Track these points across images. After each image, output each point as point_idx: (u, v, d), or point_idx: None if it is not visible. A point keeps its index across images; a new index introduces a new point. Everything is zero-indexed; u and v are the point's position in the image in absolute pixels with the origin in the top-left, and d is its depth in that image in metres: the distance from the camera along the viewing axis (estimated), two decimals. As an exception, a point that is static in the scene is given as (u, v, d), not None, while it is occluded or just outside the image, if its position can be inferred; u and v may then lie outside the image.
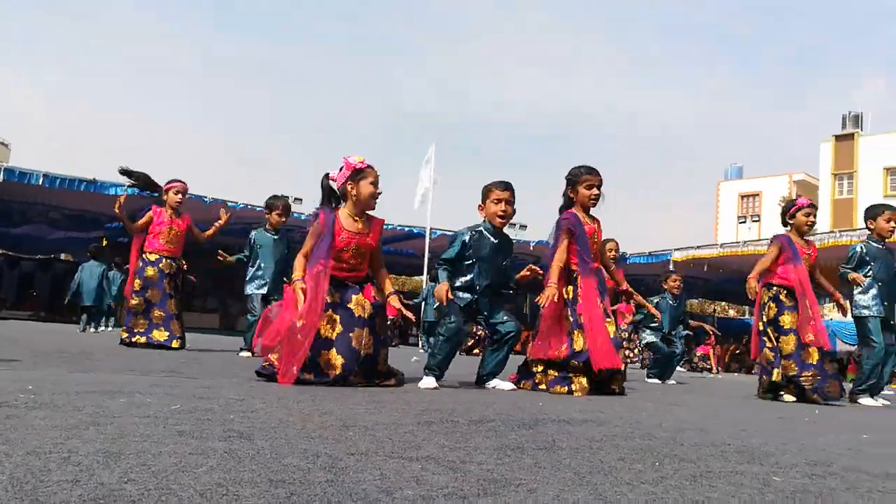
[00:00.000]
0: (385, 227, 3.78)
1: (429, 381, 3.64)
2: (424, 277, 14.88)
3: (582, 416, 2.56)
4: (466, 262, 3.99)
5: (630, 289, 4.80)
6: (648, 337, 7.61)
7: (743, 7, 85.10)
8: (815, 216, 5.10)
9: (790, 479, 1.53)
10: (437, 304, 4.00)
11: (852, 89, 67.93)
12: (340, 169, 3.58)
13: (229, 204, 15.04)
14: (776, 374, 4.80)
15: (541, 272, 4.15)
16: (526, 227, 18.40)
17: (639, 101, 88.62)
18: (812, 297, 4.83)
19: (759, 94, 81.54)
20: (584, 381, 3.89)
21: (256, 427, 1.73)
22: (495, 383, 3.98)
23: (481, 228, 4.05)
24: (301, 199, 18.84)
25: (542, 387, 4.01)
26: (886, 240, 5.45)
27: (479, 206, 4.12)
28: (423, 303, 13.35)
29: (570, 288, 4.07)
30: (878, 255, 5.38)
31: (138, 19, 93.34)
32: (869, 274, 5.36)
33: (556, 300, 3.96)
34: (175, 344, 6.04)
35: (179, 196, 6.31)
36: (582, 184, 4.19)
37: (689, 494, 1.28)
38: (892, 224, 5.36)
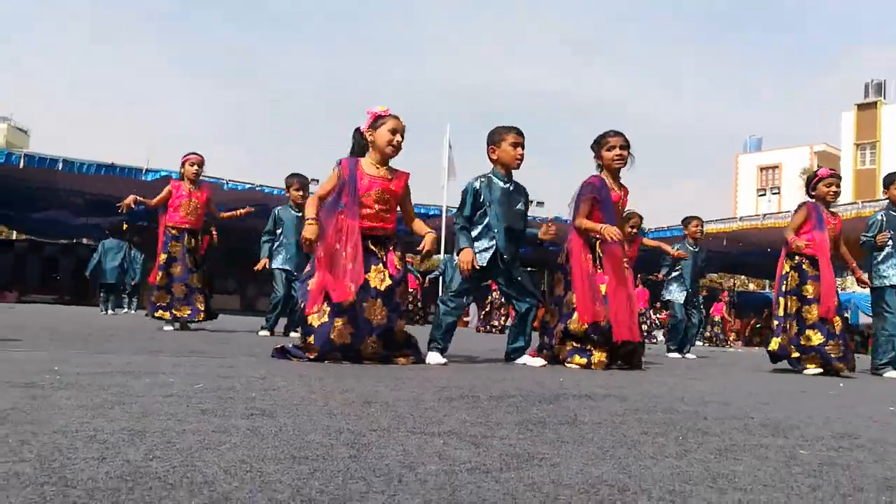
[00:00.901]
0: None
1: (435, 357, 3.61)
2: (442, 256, 14.87)
3: (603, 391, 2.55)
4: (479, 212, 3.92)
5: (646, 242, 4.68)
6: (673, 293, 7.45)
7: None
8: (837, 186, 5.02)
9: (816, 451, 1.51)
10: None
11: (876, 56, 66.46)
12: (366, 120, 3.57)
13: (243, 187, 15.15)
14: (773, 344, 4.87)
15: (554, 232, 4.12)
16: (543, 203, 18.23)
17: (656, 75, 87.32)
18: (829, 269, 4.75)
19: (778, 63, 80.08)
20: (603, 355, 3.91)
21: (279, 405, 1.74)
22: (525, 360, 3.96)
23: (489, 175, 3.99)
24: (318, 180, 18.91)
25: (561, 357, 4.02)
26: None
27: (492, 149, 3.99)
28: (440, 277, 13.37)
29: (590, 257, 4.05)
30: None
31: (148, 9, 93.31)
32: (888, 243, 5.30)
33: (615, 236, 3.92)
34: (199, 317, 6.07)
35: (195, 168, 6.31)
36: (604, 146, 4.18)
37: (714, 468, 1.27)
38: None
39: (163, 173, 14.30)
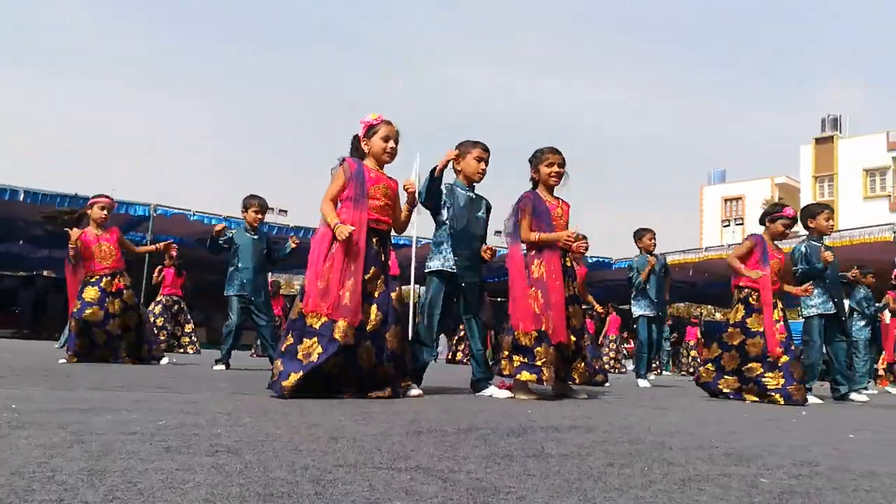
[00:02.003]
0: None
1: (415, 390, 3.63)
2: (412, 287, 14.83)
3: (570, 423, 2.56)
4: (442, 225, 4.09)
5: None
6: (642, 308, 7.32)
7: (722, 10, 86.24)
8: (790, 229, 5.23)
9: (777, 480, 1.54)
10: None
11: (831, 92, 69.01)
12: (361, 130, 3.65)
13: (212, 220, 15.01)
14: (702, 372, 5.14)
15: (493, 253, 4.19)
16: (500, 232, 18.40)
17: (622, 107, 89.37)
18: (769, 305, 4.87)
19: (740, 97, 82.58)
20: (551, 371, 3.89)
21: (244, 441, 1.72)
22: (491, 391, 3.96)
23: (452, 184, 4.14)
24: (286, 211, 18.81)
25: (507, 373, 3.98)
26: (825, 237, 5.74)
27: (457, 160, 4.12)
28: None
29: (540, 264, 4.09)
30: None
31: (129, 23, 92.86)
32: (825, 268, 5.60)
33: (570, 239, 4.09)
34: (127, 362, 5.94)
35: (104, 212, 6.21)
36: (543, 162, 4.26)
37: (678, 499, 1.29)
38: (832, 222, 5.68)
39: (138, 210, 14.24)
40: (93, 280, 6.01)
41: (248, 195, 6.44)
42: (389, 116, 3.64)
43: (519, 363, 3.94)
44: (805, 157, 38.02)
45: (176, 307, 10.54)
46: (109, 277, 6.06)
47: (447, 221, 4.07)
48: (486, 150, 4.17)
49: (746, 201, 41.81)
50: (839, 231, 15.48)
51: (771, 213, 5.23)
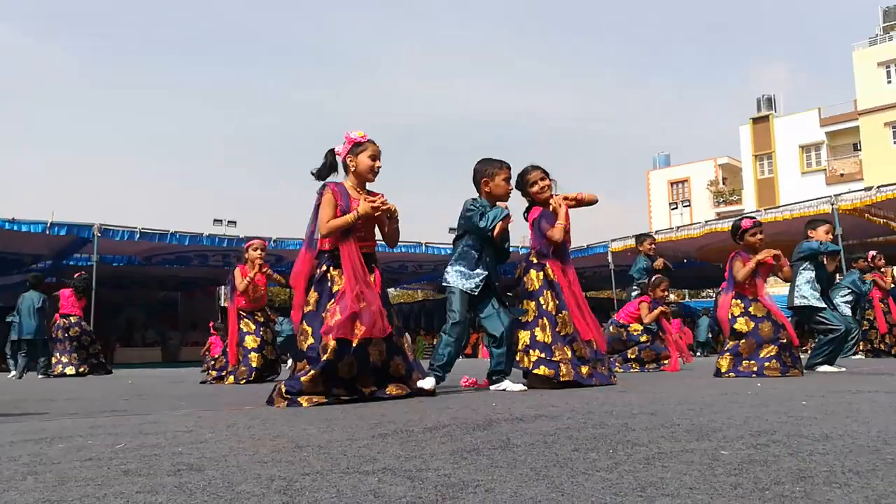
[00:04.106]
0: None
1: (430, 381, 3.68)
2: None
3: (535, 412, 2.59)
4: (465, 236, 4.22)
5: None
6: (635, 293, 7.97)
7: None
8: (761, 233, 5.37)
9: (737, 451, 1.58)
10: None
11: (766, 72, 71.19)
12: (343, 144, 3.62)
13: (159, 238, 14.68)
14: (721, 363, 5.24)
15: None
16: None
17: (559, 99, 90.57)
18: (775, 306, 5.24)
19: (680, 81, 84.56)
20: (569, 367, 4.00)
21: (206, 457, 1.68)
22: (505, 385, 4.00)
23: (482, 201, 4.24)
24: (235, 222, 18.50)
25: (524, 366, 4.09)
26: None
27: (485, 181, 4.21)
28: None
29: (540, 275, 4.24)
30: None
31: (99, 44, 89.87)
32: (812, 274, 6.04)
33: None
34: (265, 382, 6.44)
35: (259, 252, 6.54)
36: (528, 184, 4.42)
37: (643, 477, 1.31)
38: (830, 236, 6.13)
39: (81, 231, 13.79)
40: (252, 330, 6.52)
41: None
42: (357, 126, 3.70)
43: (536, 358, 4.03)
44: (744, 136, 39.12)
45: (73, 329, 9.75)
46: (258, 313, 6.65)
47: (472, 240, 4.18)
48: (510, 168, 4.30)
49: (692, 183, 42.78)
50: (779, 207, 16.01)
51: (737, 232, 5.41)
